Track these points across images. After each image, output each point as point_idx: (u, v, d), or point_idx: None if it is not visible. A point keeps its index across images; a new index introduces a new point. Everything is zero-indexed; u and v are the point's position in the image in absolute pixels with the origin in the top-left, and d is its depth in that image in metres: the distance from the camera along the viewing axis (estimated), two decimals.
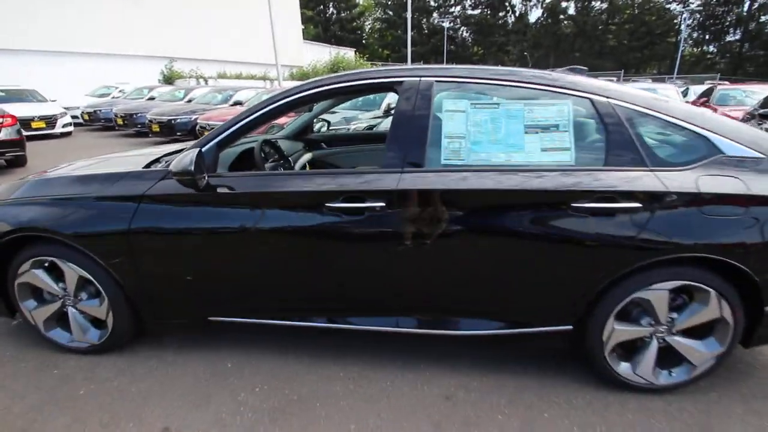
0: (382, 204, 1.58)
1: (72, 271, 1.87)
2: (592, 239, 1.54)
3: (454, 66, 1.70)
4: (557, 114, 1.60)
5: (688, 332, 1.66)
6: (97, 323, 2.01)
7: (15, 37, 14.74)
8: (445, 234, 1.60)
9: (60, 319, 2.03)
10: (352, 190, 1.61)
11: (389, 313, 1.79)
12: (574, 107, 1.61)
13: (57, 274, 1.93)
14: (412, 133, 1.63)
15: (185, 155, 1.60)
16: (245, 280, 1.80)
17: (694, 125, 1.61)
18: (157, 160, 2.07)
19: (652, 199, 1.51)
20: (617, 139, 1.57)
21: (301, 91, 1.78)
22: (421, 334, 1.78)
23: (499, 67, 1.68)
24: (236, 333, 2.13)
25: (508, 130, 1.60)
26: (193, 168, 1.57)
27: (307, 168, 3.14)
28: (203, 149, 1.69)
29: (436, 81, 1.67)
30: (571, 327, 1.69)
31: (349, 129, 7.03)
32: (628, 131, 1.57)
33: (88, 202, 1.78)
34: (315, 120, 3.54)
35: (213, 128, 1.91)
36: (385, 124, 6.90)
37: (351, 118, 7.31)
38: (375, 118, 7.64)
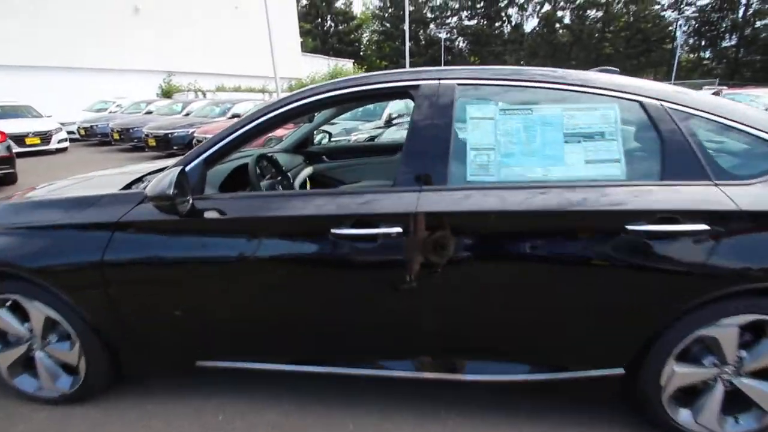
0: (399, 230, 1.34)
1: (38, 311, 1.62)
2: (650, 268, 1.29)
3: (478, 67, 1.46)
4: (602, 120, 1.36)
5: (759, 373, 1.40)
6: (69, 369, 1.74)
7: (13, 54, 14.67)
8: (472, 264, 1.36)
9: (27, 364, 1.77)
10: (362, 214, 1.37)
11: (406, 356, 1.53)
12: (622, 112, 1.37)
13: (22, 314, 1.68)
14: (432, 146, 1.39)
15: (164, 176, 1.36)
16: (238, 319, 1.55)
17: (761, 130, 1.38)
18: (140, 179, 1.83)
19: (721, 220, 1.26)
20: (674, 148, 1.33)
21: (300, 99, 1.54)
22: (444, 380, 1.51)
23: (532, 68, 1.45)
24: (228, 378, 1.86)
25: (544, 140, 1.36)
26: (172, 191, 1.32)
27: (308, 183, 2.90)
28: (187, 168, 1.45)
29: (459, 84, 1.43)
30: (623, 371, 1.43)
31: (349, 140, 6.83)
32: (687, 139, 1.33)
33: (55, 231, 1.54)
34: (315, 131, 3.32)
35: None
36: (387, 135, 6.70)
37: (351, 128, 7.12)
38: (376, 128, 7.45)
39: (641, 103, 1.37)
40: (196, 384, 1.85)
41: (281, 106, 1.53)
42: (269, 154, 2.33)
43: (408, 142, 1.41)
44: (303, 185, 2.80)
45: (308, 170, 2.92)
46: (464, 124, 1.40)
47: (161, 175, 1.38)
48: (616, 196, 1.29)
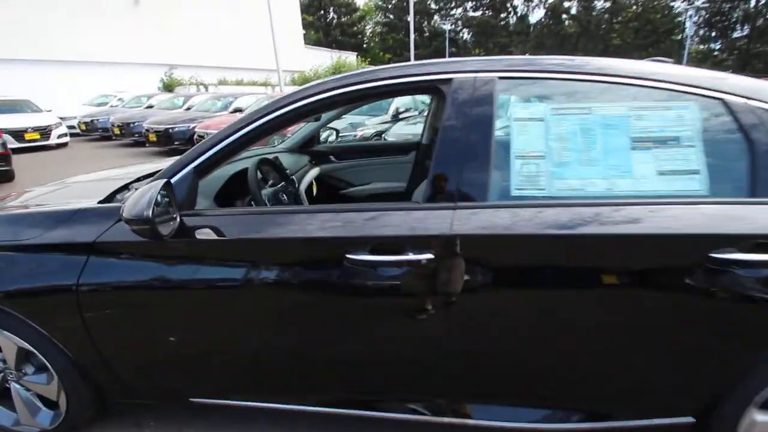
0: (429, 256, 1.11)
1: (8, 342, 1.41)
2: (738, 304, 1.06)
3: (522, 57, 1.22)
4: (677, 121, 1.12)
5: None
6: (50, 403, 1.54)
7: (14, 48, 14.46)
8: (516, 296, 1.13)
9: (3, 395, 1.57)
10: (383, 237, 1.14)
11: (433, 398, 1.31)
12: (701, 112, 1.13)
13: None
14: (467, 153, 1.15)
15: (143, 192, 1.12)
16: (238, 353, 1.34)
17: None
18: (125, 187, 1.61)
19: None
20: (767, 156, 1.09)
21: (307, 97, 1.29)
22: (480, 426, 1.29)
23: (587, 58, 1.21)
24: (229, 414, 1.64)
25: (607, 146, 1.12)
26: (150, 213, 1.08)
27: (314, 186, 2.68)
28: (174, 179, 1.22)
29: (500, 77, 1.19)
30: (693, 419, 1.20)
31: (356, 135, 6.58)
32: None
33: (21, 252, 1.32)
34: (322, 129, 3.08)
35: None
36: (395, 130, 6.44)
37: (358, 124, 6.87)
38: (383, 123, 7.20)
39: (724, 102, 1.13)
40: (191, 418, 1.64)
41: (286, 105, 1.29)
42: (272, 157, 2.10)
43: (438, 149, 1.17)
44: (309, 188, 2.57)
45: (314, 171, 2.69)
46: (507, 127, 1.16)
47: (141, 190, 1.14)
48: (696, 216, 1.06)
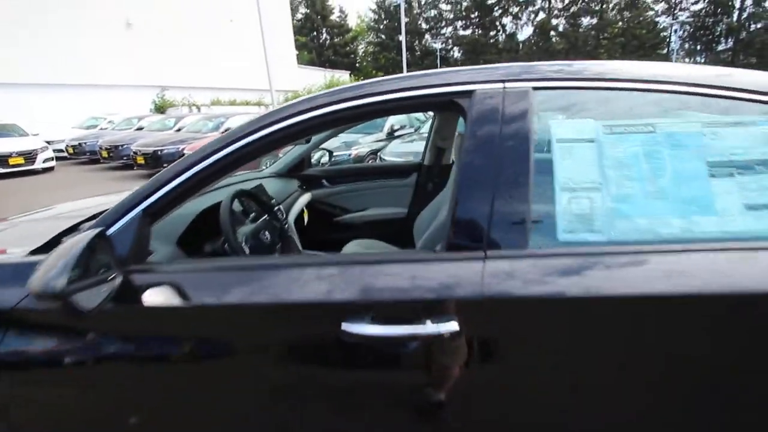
0: (453, 327, 0.82)
1: None
2: None
3: (564, 62, 0.96)
4: (765, 140, 0.87)
5: None
6: None
7: (4, 71, 14.28)
8: (574, 380, 0.85)
9: None
10: (390, 301, 0.86)
11: None
12: None
13: None
14: (498, 185, 0.88)
15: (61, 253, 0.82)
16: None
17: None
18: (76, 227, 1.33)
19: None
20: None
21: (291, 116, 1.02)
22: None
23: (644, 63, 0.96)
24: None
25: (677, 173, 0.86)
26: (63, 284, 0.77)
27: (305, 214, 2.40)
28: (112, 230, 0.93)
29: (535, 87, 0.94)
30: None
31: (350, 155, 6.37)
32: None
33: None
34: (313, 150, 2.83)
35: None
36: (392, 148, 6.23)
37: (352, 142, 6.66)
38: (378, 141, 7.01)
39: None
40: None
41: (265, 127, 1.02)
42: (255, 185, 1.82)
43: (459, 181, 0.90)
44: (300, 217, 2.30)
45: (305, 198, 2.42)
46: (548, 151, 0.90)
47: (59, 249, 0.83)
48: None
